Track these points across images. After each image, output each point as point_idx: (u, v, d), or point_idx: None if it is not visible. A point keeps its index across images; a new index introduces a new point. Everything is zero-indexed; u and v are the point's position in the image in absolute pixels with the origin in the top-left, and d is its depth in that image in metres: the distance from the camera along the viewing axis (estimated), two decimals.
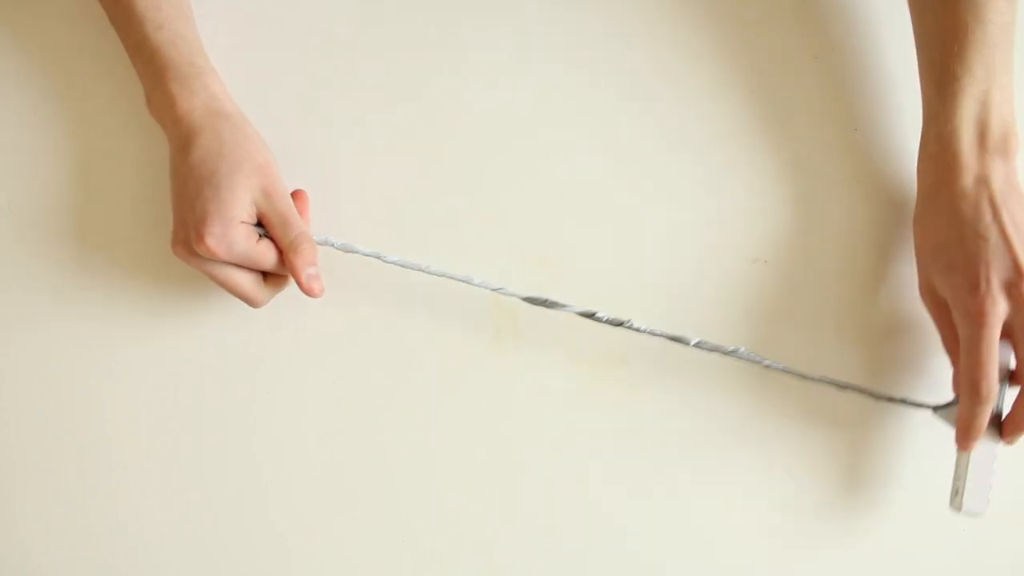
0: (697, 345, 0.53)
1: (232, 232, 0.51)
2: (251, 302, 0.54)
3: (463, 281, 0.54)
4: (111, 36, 0.56)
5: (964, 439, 0.51)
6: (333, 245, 0.54)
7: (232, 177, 0.51)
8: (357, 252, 0.54)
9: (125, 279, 0.57)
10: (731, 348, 0.53)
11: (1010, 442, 0.52)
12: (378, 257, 0.54)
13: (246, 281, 0.53)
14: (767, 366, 0.54)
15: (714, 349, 0.53)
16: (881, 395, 0.54)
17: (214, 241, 0.50)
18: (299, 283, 0.52)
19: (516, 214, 0.57)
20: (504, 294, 0.54)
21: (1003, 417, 0.52)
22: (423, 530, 0.57)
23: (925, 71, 0.53)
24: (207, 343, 0.57)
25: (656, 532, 0.57)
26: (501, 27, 0.58)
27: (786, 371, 0.54)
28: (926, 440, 0.55)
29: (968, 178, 0.50)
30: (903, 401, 0.54)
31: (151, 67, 0.53)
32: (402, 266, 0.54)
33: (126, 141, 0.57)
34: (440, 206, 0.57)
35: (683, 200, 0.57)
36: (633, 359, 0.57)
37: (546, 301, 0.54)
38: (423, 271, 0.54)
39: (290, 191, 0.54)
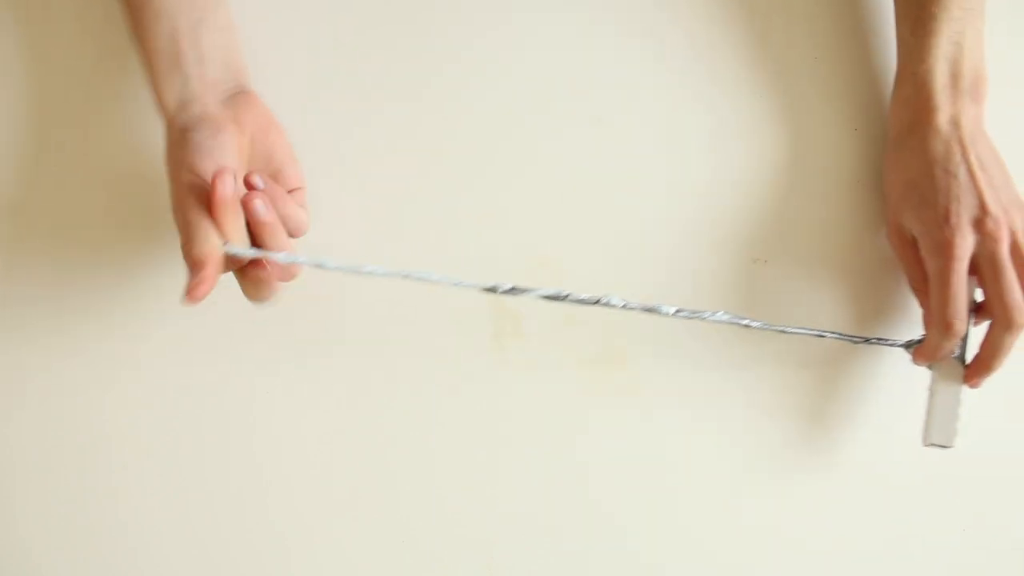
0: (676, 314, 0.53)
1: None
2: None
3: (421, 279, 0.51)
4: (114, 25, 0.56)
5: (925, 360, 0.54)
6: (303, 262, 0.50)
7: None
8: (328, 267, 0.50)
9: (126, 279, 0.57)
10: (710, 313, 0.53)
11: (974, 385, 0.53)
12: (355, 271, 0.50)
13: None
14: (746, 325, 0.54)
15: (693, 315, 0.53)
16: (856, 338, 0.55)
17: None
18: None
19: (516, 214, 0.57)
20: (463, 287, 0.51)
21: (965, 357, 0.53)
22: (423, 530, 0.57)
23: (901, 11, 0.54)
24: (207, 343, 0.57)
25: (656, 532, 0.57)
26: (501, 27, 0.58)
27: (767, 328, 0.54)
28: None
29: (942, 118, 0.52)
30: (877, 341, 0.55)
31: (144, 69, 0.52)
32: (384, 275, 0.51)
33: (130, 141, 0.57)
34: (440, 206, 0.57)
35: (683, 200, 0.57)
36: (633, 359, 0.57)
37: (512, 288, 0.51)
38: (407, 277, 0.51)
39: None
